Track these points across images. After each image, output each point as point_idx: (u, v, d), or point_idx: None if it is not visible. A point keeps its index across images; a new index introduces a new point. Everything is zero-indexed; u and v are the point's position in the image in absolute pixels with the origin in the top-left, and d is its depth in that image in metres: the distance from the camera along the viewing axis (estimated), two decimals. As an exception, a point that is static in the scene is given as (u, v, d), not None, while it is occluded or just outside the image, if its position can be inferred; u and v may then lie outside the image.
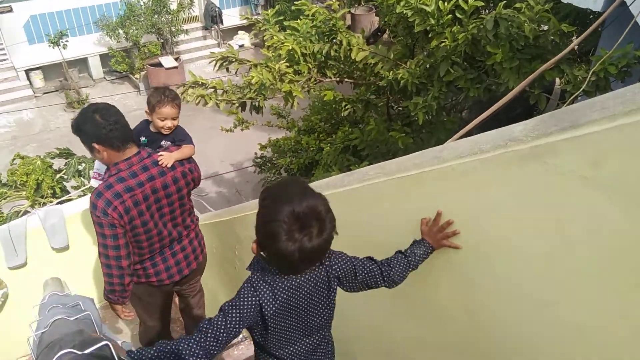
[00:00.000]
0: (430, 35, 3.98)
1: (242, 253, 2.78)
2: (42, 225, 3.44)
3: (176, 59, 11.22)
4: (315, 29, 4.42)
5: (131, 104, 11.28)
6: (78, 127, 2.18)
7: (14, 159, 5.07)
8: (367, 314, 1.98)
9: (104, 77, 12.22)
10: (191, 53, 12.83)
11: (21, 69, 11.29)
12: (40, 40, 11.29)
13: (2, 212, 4.70)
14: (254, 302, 1.34)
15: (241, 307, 1.33)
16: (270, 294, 1.34)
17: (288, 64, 3.94)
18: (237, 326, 1.32)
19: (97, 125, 2.14)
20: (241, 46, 13.35)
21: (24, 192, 4.72)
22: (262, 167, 6.98)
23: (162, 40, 11.90)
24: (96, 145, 2.17)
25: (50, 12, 11.44)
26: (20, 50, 11.35)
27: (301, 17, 4.62)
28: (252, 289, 1.35)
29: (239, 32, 13.80)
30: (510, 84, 3.43)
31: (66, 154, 4.88)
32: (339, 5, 4.35)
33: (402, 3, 3.95)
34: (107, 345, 1.01)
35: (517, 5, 3.37)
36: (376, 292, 1.52)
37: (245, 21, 13.87)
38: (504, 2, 3.30)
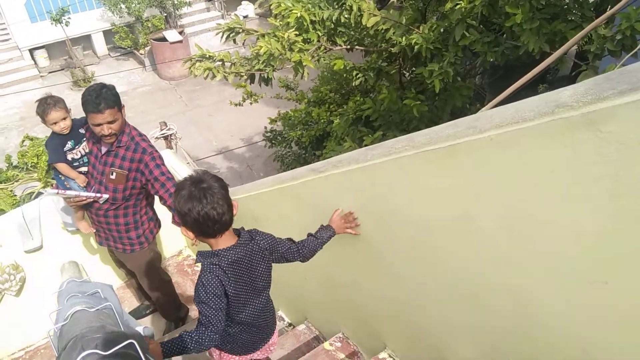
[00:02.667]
0: (445, -3, 3.81)
1: (259, 230, 2.72)
2: (55, 208, 3.40)
3: (180, 33, 11.01)
4: (323, -7, 4.25)
5: (137, 80, 11.15)
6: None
7: (23, 141, 5.03)
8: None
9: (109, 54, 12.07)
10: (195, 26, 12.59)
11: (25, 48, 11.15)
12: (42, 17, 11.10)
13: (15, 195, 4.67)
14: (218, 282, 1.70)
15: (213, 291, 1.69)
16: (223, 271, 1.71)
17: (297, 33, 3.79)
18: (221, 304, 1.71)
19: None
20: (245, 17, 13.08)
21: (36, 174, 4.69)
22: (273, 141, 6.87)
23: (166, 14, 11.66)
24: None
25: (51, -11, 11.24)
26: (23, 29, 11.18)
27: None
28: (211, 274, 1.71)
29: (243, 2, 13.50)
30: (530, 46, 3.28)
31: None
32: (346, -31, 4.16)
33: (412, -36, 3.78)
34: (132, 343, 0.95)
35: (538, -38, 3.20)
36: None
37: (249, -9, 13.49)
38: (524, -41, 3.13)
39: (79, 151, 2.97)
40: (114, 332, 1.03)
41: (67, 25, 10.22)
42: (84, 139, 2.96)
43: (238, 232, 1.83)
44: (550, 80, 7.13)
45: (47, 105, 2.84)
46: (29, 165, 4.78)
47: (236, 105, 6.39)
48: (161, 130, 3.99)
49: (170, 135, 3.96)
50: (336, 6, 4.23)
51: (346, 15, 4.15)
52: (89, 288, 1.58)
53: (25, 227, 3.34)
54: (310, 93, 6.46)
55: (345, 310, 2.50)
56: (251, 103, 6.32)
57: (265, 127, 6.88)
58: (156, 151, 2.86)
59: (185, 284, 4.04)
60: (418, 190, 1.50)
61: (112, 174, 2.84)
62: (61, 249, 3.55)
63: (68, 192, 2.86)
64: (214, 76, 4.17)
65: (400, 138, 1.54)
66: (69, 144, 2.96)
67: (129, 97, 10.49)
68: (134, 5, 11.03)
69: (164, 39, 10.76)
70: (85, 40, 11.82)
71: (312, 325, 2.92)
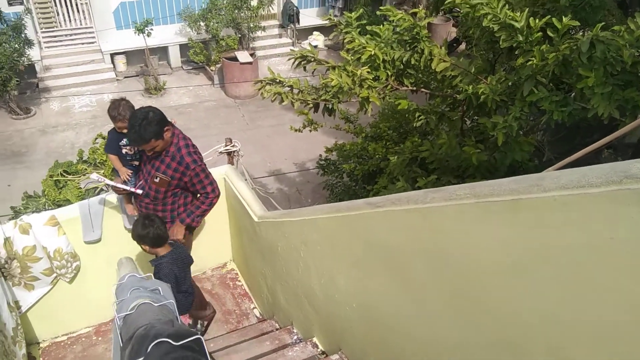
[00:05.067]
0: (516, 52, 3.85)
1: (307, 256, 2.78)
2: (119, 205, 3.60)
3: (251, 55, 11.45)
4: (397, 35, 4.37)
5: (204, 95, 11.63)
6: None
7: (96, 138, 5.35)
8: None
9: (181, 67, 12.68)
10: (266, 50, 13.07)
11: (107, 52, 11.90)
12: (127, 26, 11.86)
13: (81, 188, 4.95)
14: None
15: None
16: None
17: (368, 70, 3.92)
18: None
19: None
20: (315, 47, 13.47)
21: (102, 171, 4.96)
22: (326, 170, 6.98)
23: (240, 35, 12.19)
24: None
25: (139, 1, 12.01)
26: (108, 35, 11.98)
27: (384, 23, 4.59)
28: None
29: (314, 32, 13.92)
30: (600, 110, 3.25)
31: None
32: (425, 14, 4.28)
33: (489, 17, 3.85)
34: (200, 339, 1.03)
35: (615, 28, 3.19)
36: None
37: (320, 22, 13.96)
38: (602, 24, 3.13)
39: (133, 148, 3.41)
40: (182, 327, 1.12)
41: (148, 36, 10.85)
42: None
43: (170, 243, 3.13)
44: (616, 145, 6.93)
45: (118, 114, 3.33)
46: (98, 161, 5.07)
47: (296, 131, 6.56)
48: (226, 145, 4.17)
49: (234, 152, 4.14)
50: (408, 48, 4.34)
51: (416, 58, 4.25)
52: (150, 284, 1.69)
53: (88, 219, 3.55)
54: (368, 128, 6.56)
55: (381, 345, 2.51)
56: (310, 130, 6.48)
57: (320, 155, 7.02)
58: (199, 165, 3.21)
59: (225, 296, 4.14)
60: (474, 238, 1.54)
61: (156, 178, 3.22)
62: (117, 244, 3.74)
63: (107, 181, 3.34)
64: (282, 100, 4.33)
65: (462, 185, 1.59)
66: (124, 140, 3.41)
67: (194, 110, 10.95)
68: (212, 24, 11.60)
69: (235, 59, 11.21)
70: (161, 51, 12.48)
71: (345, 357, 2.94)
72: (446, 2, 4.78)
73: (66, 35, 11.95)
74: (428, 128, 5.35)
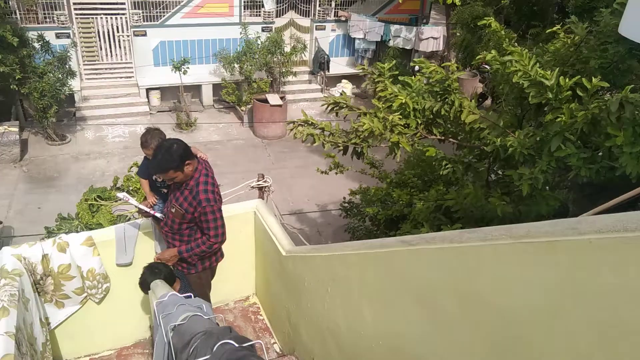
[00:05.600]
0: (545, 109, 3.96)
1: (335, 291, 2.84)
2: (152, 232, 3.72)
3: (281, 98, 11.81)
4: (428, 86, 4.54)
5: (233, 133, 11.96)
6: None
7: (131, 167, 5.55)
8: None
9: (213, 105, 13.10)
10: (295, 94, 13.45)
11: (143, 87, 12.39)
12: (164, 64, 12.39)
13: (113, 214, 5.11)
14: None
15: None
16: None
17: (400, 116, 4.06)
18: None
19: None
20: (342, 94, 13.81)
21: (135, 198, 5.13)
22: (348, 212, 7.06)
23: (271, 79, 12.62)
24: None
25: (177, 41, 12.58)
26: (145, 71, 12.51)
27: (415, 75, 4.77)
28: None
29: (342, 80, 14.32)
30: (628, 170, 3.31)
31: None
32: (457, 67, 4.45)
33: (519, 74, 3.99)
34: (260, 343, 1.11)
35: (645, 89, 3.29)
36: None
37: (349, 71, 14.35)
38: (631, 86, 3.24)
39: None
40: (241, 335, 1.20)
41: (184, 74, 11.30)
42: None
43: None
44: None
45: (150, 138, 3.55)
46: (131, 188, 5.25)
47: (322, 172, 6.70)
48: (258, 180, 4.31)
49: (265, 187, 4.27)
50: (439, 99, 4.50)
51: (446, 109, 4.39)
52: (194, 302, 1.77)
53: (123, 242, 3.67)
54: (393, 174, 6.67)
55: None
56: (336, 173, 6.61)
57: (344, 198, 7.12)
58: (210, 205, 3.27)
59: (246, 329, 4.17)
60: (510, 278, 1.60)
61: (172, 208, 3.37)
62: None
63: (131, 200, 3.59)
64: (313, 141, 4.49)
65: (497, 227, 1.66)
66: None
67: (222, 147, 11.24)
68: (246, 66, 12.05)
69: (265, 101, 11.57)
70: (195, 89, 12.95)
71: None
72: (477, 57, 4.96)
73: (106, 68, 12.52)
74: (453, 177, 5.44)
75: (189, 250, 3.41)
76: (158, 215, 3.55)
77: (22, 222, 8.35)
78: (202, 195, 3.24)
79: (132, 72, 12.54)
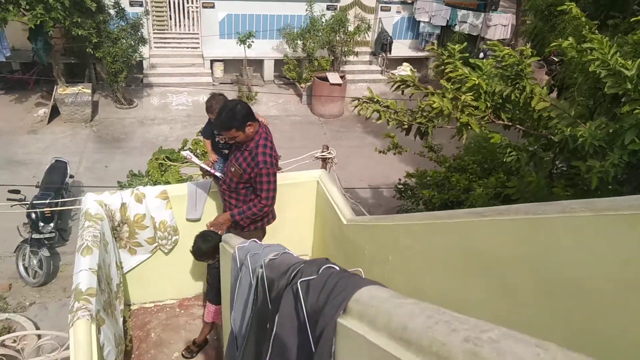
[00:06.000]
0: (622, 100, 3.85)
1: (396, 260, 2.92)
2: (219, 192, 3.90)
3: (341, 77, 11.85)
4: (500, 70, 4.48)
5: (291, 109, 12.13)
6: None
7: (198, 133, 5.78)
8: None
9: (273, 80, 13.30)
10: (354, 74, 13.45)
11: (208, 58, 12.72)
12: (229, 36, 12.65)
13: (181, 174, 5.37)
14: None
15: None
16: None
17: (472, 97, 4.05)
18: None
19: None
20: (410, 73, 13.70)
21: (202, 161, 5.37)
22: (402, 194, 7.09)
23: (333, 58, 12.66)
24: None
25: (244, 14, 12.79)
26: (211, 42, 12.81)
27: (485, 59, 4.72)
28: None
29: (403, 63, 14.17)
30: None
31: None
32: (531, 52, 4.37)
33: (597, 62, 3.89)
34: (360, 271, 1.21)
35: None
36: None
37: (411, 54, 14.13)
38: None
39: (225, 138, 3.76)
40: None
41: (248, 47, 11.52)
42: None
43: None
44: None
45: (215, 103, 3.76)
46: (199, 152, 5.49)
47: (380, 152, 6.74)
48: (322, 151, 4.42)
49: (329, 158, 4.38)
50: (509, 83, 4.43)
51: (517, 94, 4.33)
52: (277, 246, 1.90)
53: (194, 199, 3.88)
54: (451, 159, 6.64)
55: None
56: (394, 154, 6.63)
57: (400, 179, 7.14)
58: (266, 167, 3.40)
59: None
60: (587, 251, 1.63)
61: (232, 167, 3.50)
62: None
63: (194, 159, 3.81)
64: (379, 118, 4.54)
65: (576, 200, 1.69)
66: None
67: (280, 122, 11.43)
68: (309, 43, 12.14)
69: (325, 79, 11.64)
70: (257, 64, 13.16)
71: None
72: (550, 45, 4.84)
73: (174, 38, 12.91)
74: (515, 166, 5.37)
75: (240, 213, 3.54)
76: (218, 174, 3.70)
77: (90, 179, 8.84)
78: (260, 157, 3.37)
79: (198, 43, 12.88)
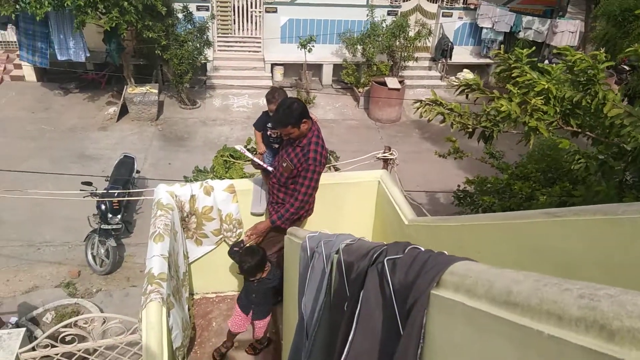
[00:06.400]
0: None
1: (460, 260, 2.90)
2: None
3: (400, 82, 11.82)
4: (571, 75, 4.36)
5: (348, 113, 12.21)
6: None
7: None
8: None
9: (331, 85, 13.43)
10: (413, 80, 13.38)
11: (269, 62, 13.02)
12: (290, 41, 12.90)
13: (245, 172, 5.54)
14: None
15: None
16: None
17: (542, 101, 3.97)
18: None
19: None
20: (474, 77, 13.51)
21: (254, 155, 5.52)
22: (461, 201, 6.98)
23: (392, 63, 12.65)
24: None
25: (305, 19, 13.01)
26: (272, 47, 13.11)
27: (556, 63, 4.60)
28: None
29: (464, 70, 13.96)
30: None
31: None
32: (605, 57, 4.23)
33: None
34: (444, 253, 1.25)
35: None
36: None
37: (472, 60, 13.88)
38: None
39: (276, 132, 3.96)
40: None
41: (309, 52, 11.70)
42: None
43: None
44: None
45: (277, 95, 4.02)
46: (251, 147, 5.66)
47: (440, 156, 6.69)
48: (384, 152, 4.45)
49: (390, 160, 4.40)
50: (581, 89, 4.31)
51: (588, 100, 4.20)
52: (347, 236, 1.94)
53: (259, 193, 4.00)
54: (513, 167, 6.49)
55: None
56: (455, 158, 6.56)
57: (458, 186, 7.05)
58: (314, 164, 3.48)
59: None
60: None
61: (284, 163, 3.59)
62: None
63: (247, 153, 3.94)
64: (443, 120, 4.52)
65: (662, 201, 1.65)
66: (270, 124, 4.26)
67: (336, 125, 11.53)
68: (369, 48, 12.20)
69: (383, 84, 11.65)
70: (316, 68, 13.34)
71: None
72: (625, 50, 4.67)
73: (237, 42, 13.30)
74: (582, 175, 5.19)
75: (280, 217, 3.62)
76: (269, 168, 3.78)
77: (154, 175, 9.23)
78: (311, 154, 3.48)
79: (260, 46, 13.21)
